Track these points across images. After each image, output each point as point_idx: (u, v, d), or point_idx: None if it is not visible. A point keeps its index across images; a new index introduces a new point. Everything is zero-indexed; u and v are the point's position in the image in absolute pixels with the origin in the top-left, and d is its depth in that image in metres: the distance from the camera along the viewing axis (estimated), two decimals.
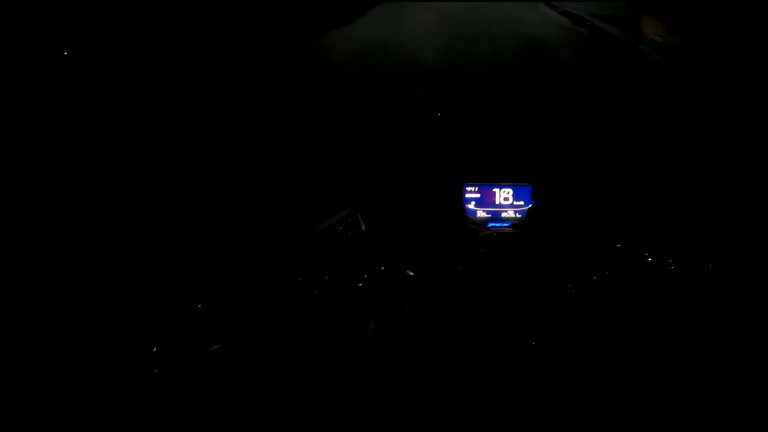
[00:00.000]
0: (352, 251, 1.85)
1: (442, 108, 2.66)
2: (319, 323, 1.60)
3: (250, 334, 1.59)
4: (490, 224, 2.22)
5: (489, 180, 2.22)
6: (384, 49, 4.21)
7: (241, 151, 2.46)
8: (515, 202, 2.22)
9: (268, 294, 1.70)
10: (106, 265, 1.92)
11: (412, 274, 1.76)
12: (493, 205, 2.22)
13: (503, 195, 2.22)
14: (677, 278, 1.58)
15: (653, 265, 1.62)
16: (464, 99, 3.03)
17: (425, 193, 2.25)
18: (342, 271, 1.73)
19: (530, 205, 2.13)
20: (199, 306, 1.70)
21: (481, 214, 2.23)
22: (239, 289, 1.74)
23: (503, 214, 2.23)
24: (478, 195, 2.23)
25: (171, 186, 2.29)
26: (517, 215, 2.21)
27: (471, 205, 2.23)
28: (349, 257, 1.81)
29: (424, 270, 1.91)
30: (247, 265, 1.83)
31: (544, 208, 1.94)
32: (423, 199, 2.24)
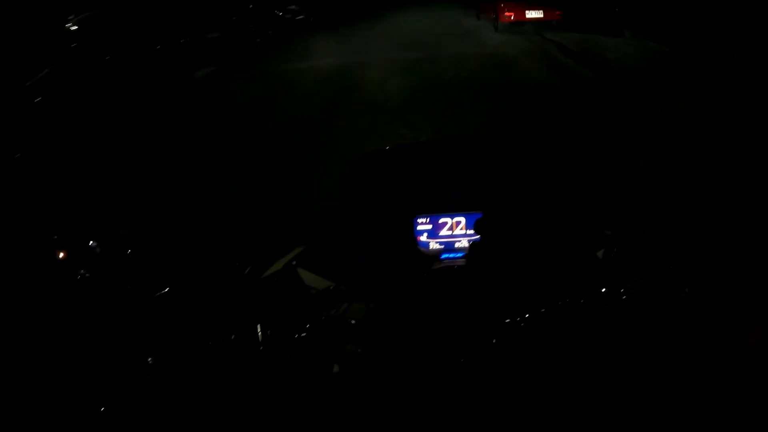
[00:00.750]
0: (303, 294, 1.76)
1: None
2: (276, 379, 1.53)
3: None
4: (444, 255, 2.16)
5: (439, 210, 2.17)
6: None
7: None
8: (468, 231, 2.17)
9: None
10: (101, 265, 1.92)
11: (367, 308, 1.68)
12: (446, 236, 2.17)
13: (455, 225, 2.17)
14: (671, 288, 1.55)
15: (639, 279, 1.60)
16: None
17: (376, 228, 2.18)
18: (293, 316, 1.64)
19: (476, 236, 2.09)
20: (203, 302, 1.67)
21: (433, 245, 2.18)
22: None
23: (457, 245, 2.18)
24: (429, 226, 2.18)
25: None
26: (471, 244, 2.16)
27: (423, 237, 2.17)
28: (300, 300, 1.72)
29: (377, 306, 1.84)
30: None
31: (492, 237, 1.90)
32: (374, 233, 2.17)
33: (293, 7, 17.74)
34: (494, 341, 1.52)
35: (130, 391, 1.52)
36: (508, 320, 1.55)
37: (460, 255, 2.15)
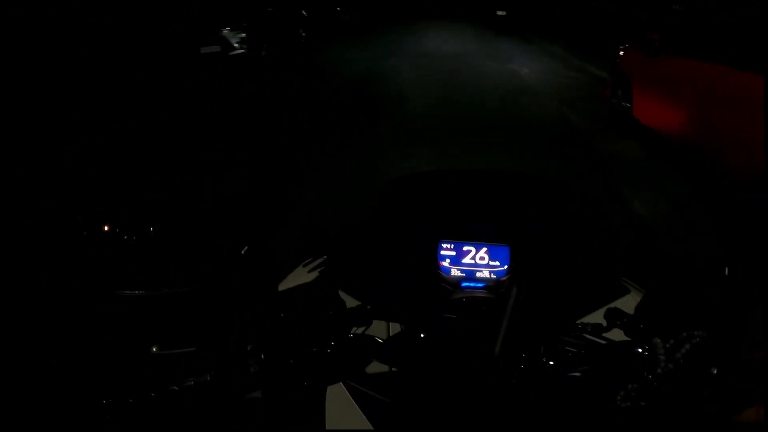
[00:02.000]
0: (326, 309, 1.76)
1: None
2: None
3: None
4: (464, 284, 2.16)
5: (465, 238, 2.18)
6: None
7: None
8: (491, 262, 2.17)
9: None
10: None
11: (380, 339, 1.69)
12: (468, 264, 2.18)
13: (479, 254, 2.18)
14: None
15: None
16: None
17: (400, 251, 2.20)
18: (308, 335, 1.64)
19: (499, 269, 2.10)
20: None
21: (455, 272, 2.18)
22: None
23: (478, 274, 2.18)
24: (453, 253, 2.18)
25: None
26: (492, 276, 2.17)
27: (446, 263, 2.18)
28: (324, 316, 1.72)
29: (394, 333, 1.85)
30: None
31: (515, 273, 1.90)
32: (397, 256, 2.19)
33: (339, 9, 20.61)
34: (508, 376, 1.52)
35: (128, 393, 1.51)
36: (523, 355, 1.55)
37: (480, 285, 2.15)
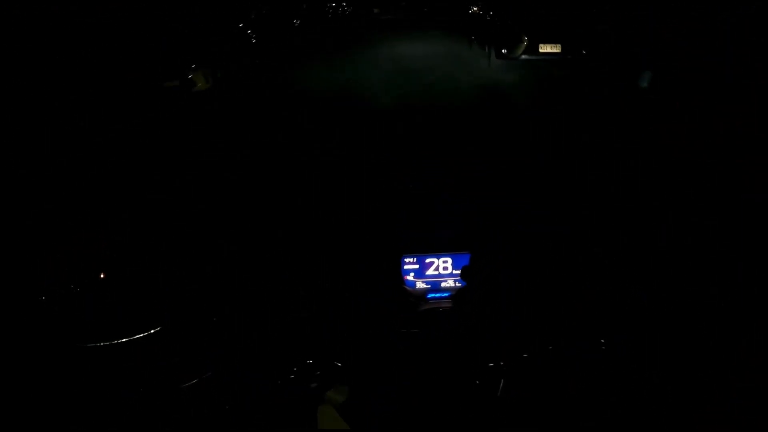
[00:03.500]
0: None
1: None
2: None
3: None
4: (430, 295, 2.18)
5: (426, 250, 2.20)
6: None
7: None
8: (454, 272, 2.20)
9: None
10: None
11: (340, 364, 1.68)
12: (432, 275, 2.20)
13: (442, 265, 2.21)
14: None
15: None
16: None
17: (364, 264, 2.21)
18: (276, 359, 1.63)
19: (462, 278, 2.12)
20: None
21: (420, 285, 2.20)
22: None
23: (443, 284, 2.21)
24: (416, 266, 2.20)
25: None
26: (457, 284, 2.19)
27: (410, 277, 2.20)
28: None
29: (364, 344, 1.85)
30: None
31: (476, 282, 1.92)
32: (361, 270, 2.19)
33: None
34: (477, 383, 1.54)
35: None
36: (491, 364, 1.57)
37: (446, 295, 2.17)
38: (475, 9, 15.82)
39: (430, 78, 12.42)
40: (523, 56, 11.73)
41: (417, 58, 14.73)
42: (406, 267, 2.19)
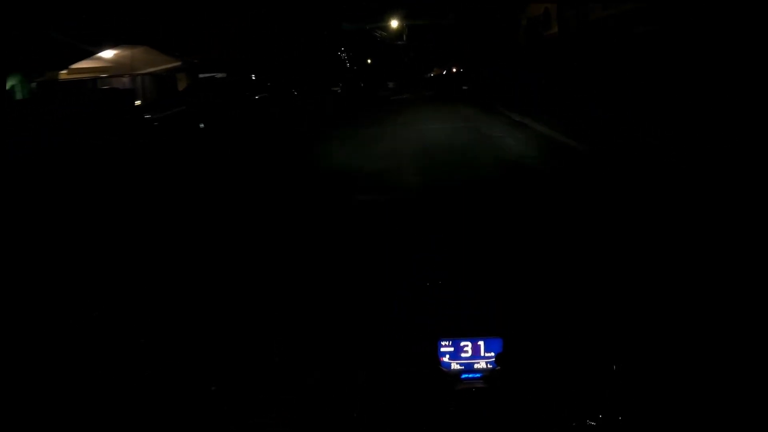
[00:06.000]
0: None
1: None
2: None
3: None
4: (464, 376, 2.36)
5: (461, 334, 2.40)
6: None
7: None
8: (487, 354, 2.38)
9: None
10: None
11: None
12: (466, 357, 2.38)
13: (475, 348, 2.40)
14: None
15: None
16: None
17: (402, 347, 2.41)
18: None
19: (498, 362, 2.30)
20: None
21: (455, 366, 2.39)
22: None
23: (476, 365, 2.38)
24: (452, 349, 2.40)
25: None
26: (489, 366, 2.37)
27: (445, 359, 2.39)
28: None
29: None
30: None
31: (509, 366, 2.10)
32: (400, 352, 2.39)
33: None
34: None
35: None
36: None
37: (478, 376, 2.35)
38: None
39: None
40: None
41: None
42: (442, 349, 2.39)
